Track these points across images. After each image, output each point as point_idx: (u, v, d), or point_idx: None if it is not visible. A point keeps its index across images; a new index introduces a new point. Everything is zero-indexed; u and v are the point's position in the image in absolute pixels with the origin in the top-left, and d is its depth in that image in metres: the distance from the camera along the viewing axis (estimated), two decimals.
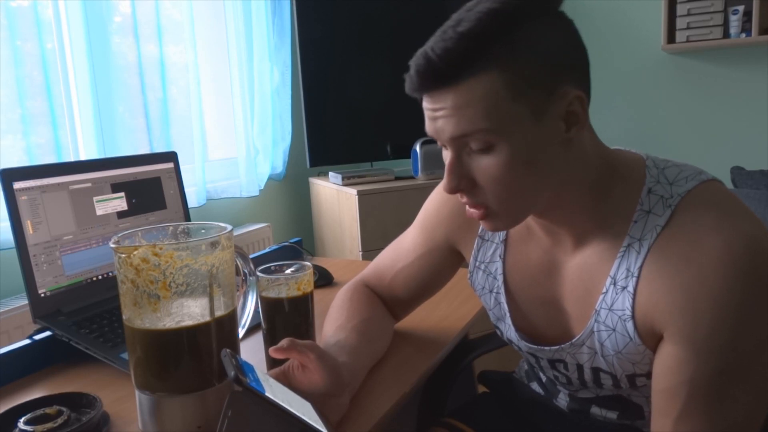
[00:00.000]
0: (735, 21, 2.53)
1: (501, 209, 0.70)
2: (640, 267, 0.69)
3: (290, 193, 2.68)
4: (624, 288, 0.71)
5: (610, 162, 0.73)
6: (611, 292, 0.72)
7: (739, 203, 0.69)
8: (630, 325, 0.70)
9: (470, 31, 0.63)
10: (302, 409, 0.65)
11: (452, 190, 0.70)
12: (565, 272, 0.78)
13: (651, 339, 0.70)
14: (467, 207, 0.73)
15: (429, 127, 0.70)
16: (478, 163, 0.68)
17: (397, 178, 2.39)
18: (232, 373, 0.61)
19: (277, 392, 0.64)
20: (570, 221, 0.74)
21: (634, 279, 0.69)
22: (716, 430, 0.65)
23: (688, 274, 0.65)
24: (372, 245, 2.21)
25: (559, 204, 0.73)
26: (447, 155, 0.71)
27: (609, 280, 0.72)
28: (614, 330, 0.73)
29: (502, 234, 0.85)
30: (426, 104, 0.69)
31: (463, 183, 0.70)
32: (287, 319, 0.87)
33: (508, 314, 0.85)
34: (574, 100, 0.67)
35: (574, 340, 0.78)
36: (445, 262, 0.94)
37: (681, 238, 0.67)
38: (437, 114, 0.67)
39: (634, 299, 0.70)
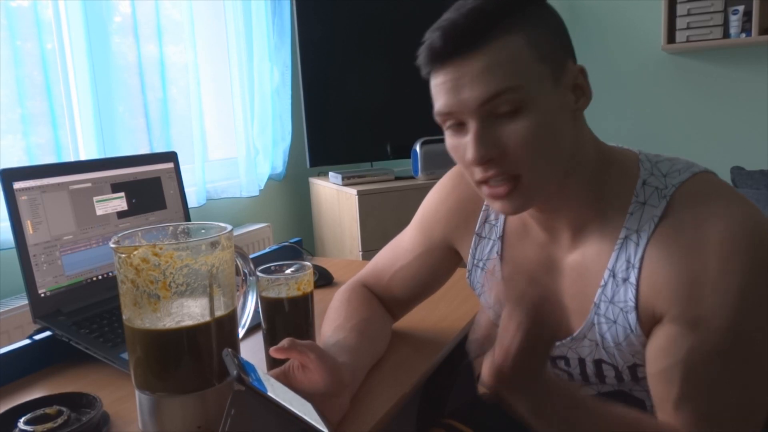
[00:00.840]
0: (735, 21, 2.53)
1: (531, 177, 0.69)
2: (641, 258, 0.69)
3: (290, 193, 2.68)
4: (625, 280, 0.71)
5: (606, 155, 0.75)
6: (611, 285, 0.72)
7: (733, 191, 0.70)
8: (632, 316, 0.71)
9: None
10: (303, 409, 0.65)
11: (482, 158, 0.67)
12: (563, 268, 0.79)
13: (652, 328, 0.70)
14: (486, 189, 0.71)
15: (449, 99, 0.68)
16: (506, 128, 0.67)
17: (397, 178, 2.39)
18: (234, 373, 0.61)
19: (278, 392, 0.64)
20: (568, 212, 0.75)
21: (636, 270, 0.70)
22: (719, 414, 0.65)
23: (690, 260, 0.66)
24: (372, 245, 2.21)
25: (560, 194, 0.73)
26: (456, 138, 0.70)
27: (607, 272, 0.72)
28: (615, 322, 0.73)
29: (498, 230, 0.85)
30: (445, 76, 0.68)
31: (494, 151, 0.68)
32: (287, 319, 0.87)
33: None
34: (579, 74, 0.71)
35: (575, 335, 0.78)
36: (443, 261, 0.95)
37: (681, 227, 0.67)
38: (462, 81, 0.66)
39: (637, 290, 0.70)
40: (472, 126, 0.68)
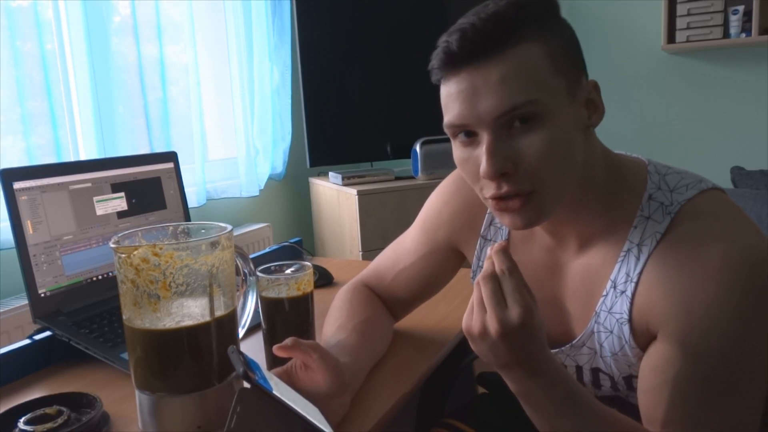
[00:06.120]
0: (735, 21, 2.53)
1: (545, 192, 0.67)
2: (640, 273, 0.69)
3: (290, 193, 2.68)
4: (623, 292, 0.71)
5: (615, 166, 0.74)
6: (611, 295, 0.73)
7: (740, 213, 0.69)
8: (626, 328, 0.71)
9: (517, 1, 0.65)
10: (306, 409, 0.65)
11: (496, 172, 0.65)
12: (568, 273, 0.79)
13: (646, 342, 0.70)
14: (496, 202, 0.68)
15: (464, 111, 0.65)
16: (520, 141, 0.65)
17: (397, 178, 2.39)
18: (241, 370, 0.61)
19: (283, 391, 0.64)
20: (576, 223, 0.75)
21: (633, 284, 0.70)
22: None
23: (686, 280, 0.65)
24: (372, 245, 2.21)
25: (570, 206, 0.72)
26: (467, 150, 0.68)
27: (609, 283, 0.73)
28: (612, 332, 0.73)
29: (504, 233, 0.85)
30: (459, 85, 0.65)
31: (508, 165, 0.65)
32: (287, 319, 0.87)
33: None
34: (592, 89, 0.70)
35: (574, 342, 0.78)
36: (446, 262, 0.94)
37: (681, 247, 0.67)
38: (478, 91, 0.64)
39: (631, 304, 0.70)
40: (485, 138, 0.65)
